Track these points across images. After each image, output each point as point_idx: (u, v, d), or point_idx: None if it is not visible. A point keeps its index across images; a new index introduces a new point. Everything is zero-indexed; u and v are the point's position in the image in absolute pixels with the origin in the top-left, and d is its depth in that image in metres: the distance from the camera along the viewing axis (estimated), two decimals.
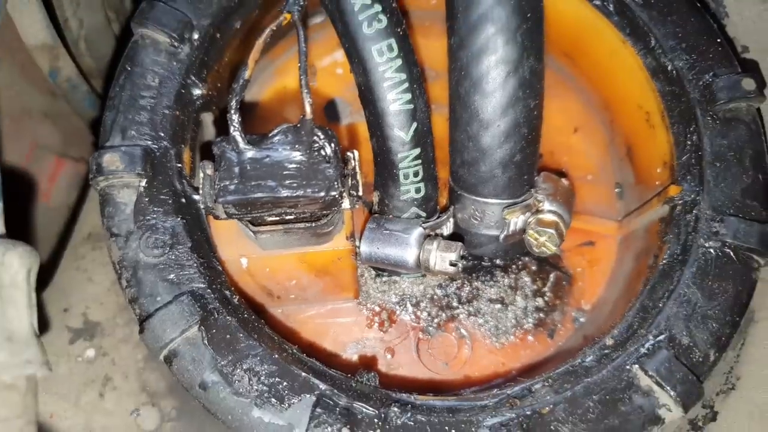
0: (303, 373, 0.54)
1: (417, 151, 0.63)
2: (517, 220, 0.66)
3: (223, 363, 0.53)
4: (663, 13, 0.68)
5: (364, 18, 0.59)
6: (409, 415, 0.53)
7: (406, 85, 0.61)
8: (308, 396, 0.52)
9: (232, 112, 0.52)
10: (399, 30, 0.61)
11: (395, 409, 0.53)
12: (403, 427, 0.52)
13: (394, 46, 0.60)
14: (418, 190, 0.65)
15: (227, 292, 0.58)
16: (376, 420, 0.52)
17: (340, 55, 0.84)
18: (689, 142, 0.64)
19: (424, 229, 0.64)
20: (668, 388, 0.53)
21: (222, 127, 0.71)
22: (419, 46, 0.81)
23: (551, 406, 0.53)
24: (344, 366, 0.70)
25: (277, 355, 0.54)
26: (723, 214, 0.60)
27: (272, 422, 0.52)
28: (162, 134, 0.61)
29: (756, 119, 0.64)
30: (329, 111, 0.85)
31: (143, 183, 0.58)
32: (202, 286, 0.56)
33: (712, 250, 0.59)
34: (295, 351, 0.57)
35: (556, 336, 0.72)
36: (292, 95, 0.83)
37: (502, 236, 0.68)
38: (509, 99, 0.60)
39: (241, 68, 0.52)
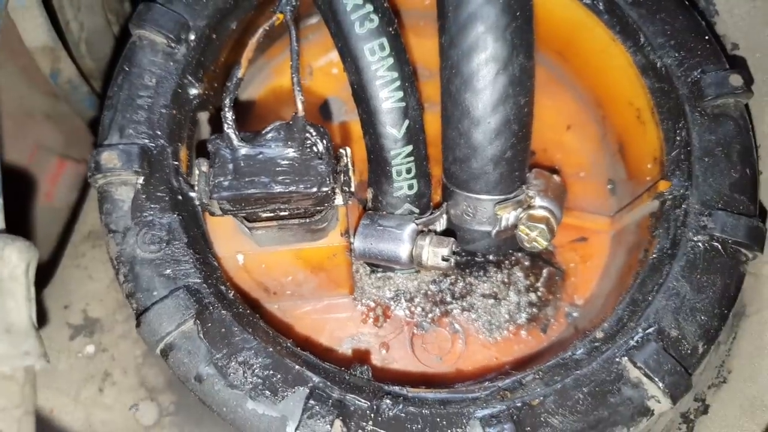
0: (297, 366, 0.54)
1: (409, 148, 0.64)
2: (508, 216, 0.67)
3: (218, 356, 0.54)
4: (652, 11, 0.69)
5: (356, 18, 0.60)
6: (401, 407, 0.54)
7: (398, 83, 0.62)
8: (302, 388, 0.53)
9: (226, 110, 0.53)
10: (391, 29, 0.62)
11: (387, 401, 0.54)
12: (395, 418, 0.53)
13: (386, 45, 0.61)
14: (411, 187, 0.66)
15: (222, 287, 0.59)
16: (368, 412, 0.53)
17: (335, 55, 0.85)
18: (678, 138, 0.65)
19: (417, 225, 0.65)
20: (657, 379, 0.53)
21: (218, 125, 0.72)
22: (413, 46, 0.82)
23: (541, 398, 0.54)
24: (339, 360, 0.70)
25: (271, 349, 0.55)
26: (711, 208, 0.60)
27: (266, 414, 0.52)
28: (159, 133, 0.62)
29: (744, 115, 0.64)
30: (325, 110, 0.86)
31: (140, 180, 0.59)
32: (198, 281, 0.57)
33: (700, 244, 0.59)
34: (289, 344, 0.58)
35: (549, 331, 0.73)
36: (288, 94, 0.84)
37: (494, 232, 0.68)
38: (499, 96, 0.61)
39: (235, 67, 0.54)
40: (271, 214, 0.58)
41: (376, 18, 0.60)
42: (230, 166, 0.54)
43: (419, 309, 0.73)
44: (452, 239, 0.64)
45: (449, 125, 0.65)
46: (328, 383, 0.54)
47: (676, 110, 0.66)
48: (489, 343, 0.72)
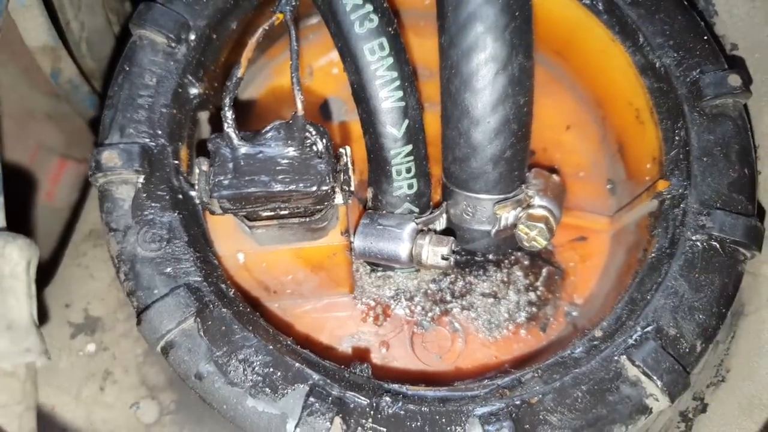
0: (296, 364, 0.55)
1: (409, 147, 0.64)
2: (508, 215, 0.67)
3: (218, 354, 0.54)
4: (651, 12, 0.69)
5: (356, 18, 0.60)
6: (400, 404, 0.54)
7: (398, 82, 0.62)
8: (301, 386, 0.53)
9: (226, 109, 0.54)
10: (390, 29, 0.62)
11: (387, 398, 0.54)
12: (394, 416, 0.53)
13: (386, 44, 0.61)
14: (410, 186, 0.66)
15: (223, 286, 0.59)
16: (368, 409, 0.53)
17: (335, 55, 0.85)
18: (677, 138, 0.65)
19: (417, 224, 0.66)
20: (655, 378, 0.54)
21: (218, 124, 0.73)
22: (413, 46, 0.82)
23: (540, 396, 0.54)
24: (339, 359, 0.71)
25: (271, 346, 0.55)
26: (710, 207, 0.61)
27: (266, 411, 0.53)
28: (159, 132, 0.62)
29: (742, 115, 0.65)
30: (324, 110, 0.86)
31: (141, 179, 0.60)
32: (198, 279, 0.57)
33: (699, 243, 0.59)
34: (289, 342, 0.58)
35: (548, 330, 0.73)
36: (288, 94, 0.84)
37: (493, 231, 0.69)
38: (499, 96, 0.61)
39: (235, 67, 0.54)
40: (272, 213, 0.58)
41: (375, 18, 0.61)
42: (230, 165, 0.54)
43: (419, 308, 0.73)
44: (452, 238, 0.64)
45: (449, 125, 0.65)
46: (328, 381, 0.54)
47: (675, 110, 0.66)
48: (488, 342, 0.72)
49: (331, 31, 0.63)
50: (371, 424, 0.53)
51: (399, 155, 0.64)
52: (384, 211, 0.68)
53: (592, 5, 0.72)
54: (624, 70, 0.71)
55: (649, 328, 0.56)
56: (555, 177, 0.70)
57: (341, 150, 0.59)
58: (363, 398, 0.54)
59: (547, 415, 0.53)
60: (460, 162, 0.66)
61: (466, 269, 0.73)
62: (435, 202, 0.72)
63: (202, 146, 0.71)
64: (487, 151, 0.64)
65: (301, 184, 0.53)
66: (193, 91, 0.66)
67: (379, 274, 0.74)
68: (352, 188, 0.59)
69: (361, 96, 0.63)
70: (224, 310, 0.56)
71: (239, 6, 0.71)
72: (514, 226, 0.67)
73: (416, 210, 0.67)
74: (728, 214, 0.60)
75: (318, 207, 0.57)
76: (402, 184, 0.66)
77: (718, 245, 0.59)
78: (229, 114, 0.54)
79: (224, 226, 0.63)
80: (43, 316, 0.76)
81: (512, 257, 0.74)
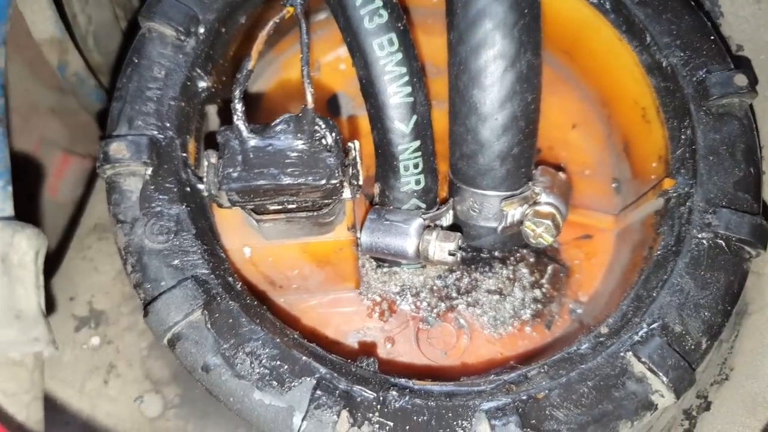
0: (304, 357, 0.55)
1: (417, 143, 0.64)
2: (514, 212, 0.67)
3: (225, 346, 0.54)
4: (658, 11, 0.69)
5: (366, 13, 0.61)
6: (407, 398, 0.54)
7: (407, 78, 0.62)
8: (308, 379, 0.53)
9: (236, 101, 0.54)
10: (399, 25, 0.62)
11: (394, 392, 0.54)
12: (401, 410, 0.53)
13: (395, 40, 0.61)
14: (418, 182, 0.66)
15: (230, 279, 0.59)
16: (374, 403, 0.53)
17: (342, 51, 0.86)
18: (683, 137, 0.66)
19: (424, 220, 0.66)
20: (661, 374, 0.54)
21: (226, 118, 0.73)
22: (421, 43, 0.83)
23: (546, 391, 0.54)
24: (345, 353, 0.71)
25: (278, 340, 0.55)
26: (715, 206, 0.61)
27: (273, 404, 0.53)
28: (168, 124, 0.62)
29: (748, 114, 0.65)
30: (331, 106, 0.86)
31: (149, 171, 0.60)
32: (206, 271, 0.57)
33: (704, 241, 0.60)
34: (296, 336, 0.58)
35: (553, 327, 0.73)
36: (296, 89, 0.85)
37: (500, 228, 0.69)
38: (507, 93, 0.62)
39: (245, 59, 0.54)
40: (279, 207, 0.58)
41: (385, 13, 0.61)
42: (239, 157, 0.54)
43: (425, 304, 0.73)
44: (458, 234, 0.65)
45: (456, 121, 0.66)
46: (335, 374, 0.54)
47: (682, 109, 0.66)
48: (494, 339, 0.72)
49: (341, 25, 0.63)
50: (378, 418, 0.53)
51: (407, 151, 0.64)
52: (391, 207, 0.68)
53: (599, 4, 0.72)
54: (631, 69, 0.71)
55: (654, 325, 0.57)
56: (561, 174, 0.70)
57: (350, 144, 0.60)
58: (370, 392, 0.54)
59: (554, 411, 0.53)
60: (467, 158, 0.66)
61: (472, 266, 0.74)
62: (441, 198, 0.72)
63: (208, 140, 0.71)
64: (495, 148, 0.64)
65: (310, 178, 0.53)
66: (202, 84, 0.66)
67: (385, 269, 0.74)
68: (361, 182, 0.59)
69: (369, 91, 0.63)
70: (231, 302, 0.56)
71: (248, 0, 0.71)
72: (521, 222, 0.68)
73: (423, 206, 0.68)
74: (734, 213, 0.60)
75: (326, 201, 0.57)
76: (409, 179, 0.66)
77: (723, 243, 0.60)
78: (239, 106, 0.54)
79: (231, 219, 0.63)
80: (47, 309, 0.76)
81: (518, 254, 0.74)
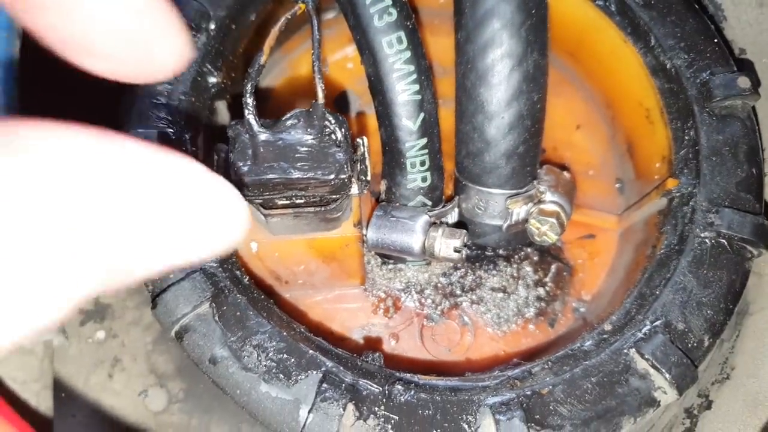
0: (310, 351, 0.55)
1: (424, 140, 0.65)
2: (519, 210, 0.68)
3: (232, 339, 0.55)
4: (662, 14, 0.70)
5: (375, 11, 0.61)
6: (412, 392, 0.54)
7: (414, 76, 0.63)
8: (315, 372, 0.54)
9: (247, 96, 0.54)
10: (408, 23, 0.63)
11: (399, 386, 0.55)
12: (406, 404, 0.54)
13: (404, 38, 0.62)
14: (424, 179, 0.67)
15: (238, 272, 0.59)
16: (380, 397, 0.54)
17: (350, 50, 0.87)
18: (687, 138, 0.66)
19: (430, 217, 0.66)
20: (663, 371, 0.54)
21: (235, 113, 0.73)
22: (428, 44, 0.83)
23: (551, 387, 0.55)
24: (350, 349, 0.71)
25: (285, 333, 0.56)
26: (718, 206, 0.62)
27: (279, 397, 0.53)
28: (177, 119, 0.63)
29: (750, 116, 0.66)
30: (339, 104, 0.87)
31: None
32: (214, 264, 0.58)
33: (707, 240, 0.60)
34: (302, 330, 0.58)
35: (556, 325, 0.74)
36: (304, 88, 0.86)
37: (505, 226, 0.70)
38: (513, 92, 0.63)
39: (257, 54, 0.54)
40: (288, 202, 0.58)
41: (394, 11, 0.62)
42: (250, 151, 0.55)
43: (429, 301, 0.74)
44: (464, 231, 0.65)
45: (463, 119, 0.66)
46: (341, 368, 0.55)
47: (685, 110, 0.67)
48: (497, 336, 0.73)
49: (350, 23, 0.64)
50: (384, 412, 0.53)
51: (414, 148, 0.65)
52: (397, 204, 0.68)
53: (605, 6, 0.73)
54: (635, 70, 0.72)
55: (657, 323, 0.57)
56: (566, 174, 0.71)
57: (358, 140, 0.60)
58: (375, 386, 0.54)
59: (557, 406, 0.54)
60: (473, 156, 0.67)
61: (477, 264, 0.74)
62: (447, 196, 0.73)
63: (218, 135, 0.71)
64: (501, 146, 0.65)
65: (319, 172, 0.54)
66: (212, 80, 0.67)
67: (390, 266, 0.74)
68: (369, 178, 0.60)
69: (377, 88, 0.64)
70: (239, 296, 0.57)
71: None
72: (525, 221, 0.68)
73: (429, 203, 0.68)
74: (736, 212, 0.61)
75: (334, 196, 0.58)
76: (416, 176, 0.66)
77: (726, 242, 0.60)
78: (250, 101, 0.54)
79: None
80: None
81: (522, 253, 0.75)
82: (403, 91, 0.63)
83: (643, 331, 0.57)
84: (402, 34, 0.62)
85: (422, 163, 0.66)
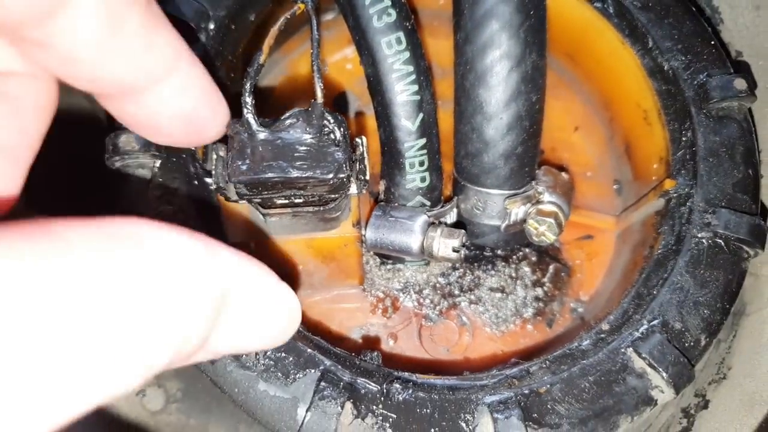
0: (308, 350, 0.55)
1: (423, 141, 0.65)
2: (518, 211, 0.68)
3: None
4: (660, 16, 0.71)
5: (375, 11, 0.62)
6: (410, 391, 0.55)
7: (414, 77, 0.63)
8: (313, 371, 0.54)
9: (246, 94, 0.54)
10: (407, 24, 0.63)
11: (397, 385, 0.55)
12: (404, 402, 0.54)
13: (403, 39, 0.62)
14: (423, 180, 0.67)
15: None
16: (378, 395, 0.54)
17: (349, 51, 0.87)
18: (684, 139, 0.67)
19: (429, 217, 0.67)
20: (661, 369, 0.55)
21: (234, 113, 0.73)
22: (427, 45, 0.83)
23: (548, 385, 0.55)
24: (348, 348, 0.71)
25: None
26: (715, 206, 0.62)
27: (277, 395, 0.53)
28: None
29: (747, 117, 0.66)
30: (338, 105, 0.87)
31: (157, 164, 0.60)
32: None
33: (704, 241, 0.61)
34: (301, 328, 0.58)
35: (554, 325, 0.74)
36: (302, 89, 0.86)
37: (503, 226, 0.70)
38: (512, 92, 0.63)
39: (256, 53, 0.55)
40: (286, 201, 0.59)
41: (393, 12, 0.62)
42: (248, 150, 0.55)
43: (428, 301, 0.74)
44: (462, 231, 0.65)
45: (462, 120, 0.67)
46: (339, 367, 0.55)
47: (683, 112, 0.68)
48: (496, 336, 0.73)
49: (349, 24, 0.64)
50: (381, 410, 0.53)
51: (413, 148, 0.65)
52: (396, 204, 0.68)
53: (603, 9, 0.74)
54: (633, 72, 0.73)
55: (655, 322, 0.57)
56: (564, 175, 0.71)
57: (357, 140, 0.60)
58: (374, 384, 0.54)
59: (555, 405, 0.54)
60: (472, 157, 0.67)
61: (475, 264, 0.74)
62: (446, 197, 0.73)
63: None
64: (499, 147, 0.65)
65: (318, 171, 0.54)
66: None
67: (388, 266, 0.74)
68: (368, 177, 0.60)
69: (376, 89, 0.64)
70: None
71: None
72: (524, 221, 0.69)
73: (428, 203, 0.68)
74: (733, 213, 0.61)
75: (333, 195, 0.58)
76: (415, 177, 0.67)
77: (722, 243, 0.61)
78: (249, 99, 0.54)
79: (237, 215, 0.64)
80: None
81: (520, 253, 0.75)
82: (402, 91, 0.63)
83: (640, 330, 0.57)
84: (401, 34, 0.62)
85: (421, 164, 0.66)
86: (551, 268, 0.76)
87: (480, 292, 0.74)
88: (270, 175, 0.54)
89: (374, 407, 0.53)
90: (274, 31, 0.55)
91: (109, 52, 0.35)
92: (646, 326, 0.57)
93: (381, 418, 0.53)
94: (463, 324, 0.74)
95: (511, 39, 0.61)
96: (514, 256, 0.75)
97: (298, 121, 0.56)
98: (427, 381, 0.56)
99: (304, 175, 0.54)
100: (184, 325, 0.27)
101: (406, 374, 0.57)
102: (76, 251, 0.23)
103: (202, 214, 0.60)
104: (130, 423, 0.72)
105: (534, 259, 0.76)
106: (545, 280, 0.75)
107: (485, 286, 0.74)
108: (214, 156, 0.59)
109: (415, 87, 0.63)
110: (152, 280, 0.26)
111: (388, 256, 0.72)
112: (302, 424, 0.52)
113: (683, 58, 0.69)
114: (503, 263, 0.74)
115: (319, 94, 0.54)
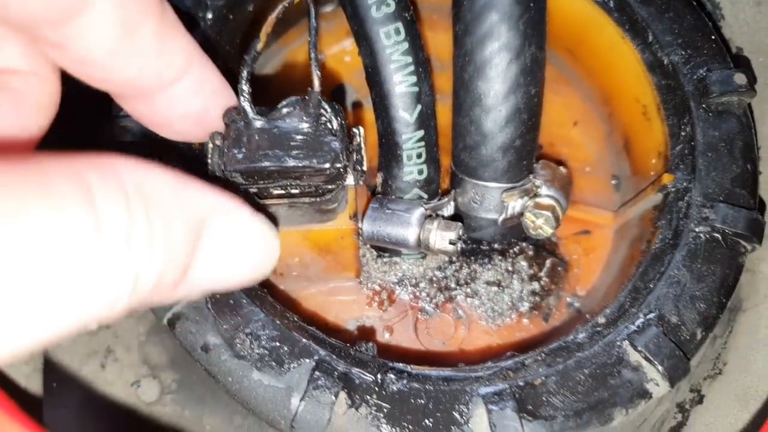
0: (303, 339, 0.55)
1: (421, 133, 0.65)
2: (515, 204, 0.68)
3: (225, 327, 0.55)
4: (660, 10, 0.71)
5: (373, 2, 0.62)
6: (405, 382, 0.54)
7: (412, 68, 0.63)
8: (308, 361, 0.54)
9: (243, 83, 0.54)
10: (406, 15, 0.63)
11: (392, 376, 0.55)
12: (398, 393, 0.54)
13: (402, 29, 0.62)
14: (420, 172, 0.67)
15: None
16: (373, 386, 0.54)
17: (347, 43, 0.87)
18: (683, 133, 0.67)
19: (426, 210, 0.66)
20: (656, 363, 0.54)
21: None
22: (427, 39, 0.83)
23: (543, 378, 0.55)
24: (344, 340, 0.71)
25: (278, 321, 0.56)
26: (713, 201, 0.62)
27: (271, 385, 0.53)
28: None
29: (746, 112, 0.66)
30: (336, 97, 0.87)
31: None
32: None
33: (701, 235, 0.61)
34: (296, 319, 0.58)
35: (550, 320, 0.74)
36: (300, 81, 0.86)
37: (500, 220, 0.70)
38: (511, 85, 0.63)
39: (253, 40, 0.54)
40: (282, 192, 0.58)
41: (392, 3, 0.62)
42: (245, 139, 0.55)
43: (424, 294, 0.74)
44: (459, 224, 0.65)
45: (460, 113, 0.66)
46: (334, 357, 0.55)
47: (682, 106, 0.67)
48: (492, 330, 0.73)
49: (348, 14, 0.64)
50: (376, 400, 0.53)
51: (410, 140, 0.65)
52: (393, 196, 0.68)
53: (603, 3, 0.73)
54: (633, 67, 0.73)
55: (651, 315, 0.57)
56: (562, 169, 0.71)
57: (354, 130, 0.60)
58: (368, 375, 0.54)
59: (550, 397, 0.54)
60: (470, 150, 0.67)
61: (472, 257, 0.74)
62: (443, 190, 0.72)
63: None
64: (498, 140, 0.65)
65: (314, 160, 0.54)
66: None
67: (385, 259, 0.74)
68: (364, 168, 0.60)
69: (375, 80, 0.64)
70: None
71: None
72: (521, 215, 0.68)
73: (425, 196, 0.68)
74: (731, 207, 0.61)
75: (329, 186, 0.58)
76: (412, 169, 0.66)
77: (720, 237, 0.60)
78: (245, 88, 0.54)
79: None
80: None
81: (517, 247, 0.75)
82: (400, 82, 0.63)
83: (636, 323, 0.57)
84: (400, 25, 0.62)
85: (419, 156, 0.66)
86: (548, 262, 0.76)
87: (476, 286, 0.74)
88: (266, 163, 0.54)
89: (368, 397, 0.53)
90: (271, 18, 0.55)
91: (122, 57, 0.37)
92: (642, 320, 0.57)
93: (375, 408, 0.53)
94: (459, 317, 0.74)
95: (511, 31, 0.61)
96: (511, 250, 0.75)
97: (294, 109, 0.55)
98: (421, 372, 0.56)
99: (300, 165, 0.54)
100: (163, 250, 0.29)
101: (401, 365, 0.57)
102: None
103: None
104: (125, 414, 0.72)
105: (531, 253, 0.75)
106: (542, 274, 0.75)
107: (482, 279, 0.74)
108: (210, 145, 0.59)
109: (414, 78, 0.63)
110: (124, 209, 0.27)
111: (385, 248, 0.72)
112: (296, 413, 0.52)
113: (683, 53, 0.69)
114: (500, 257, 0.74)
115: (316, 82, 0.54)
